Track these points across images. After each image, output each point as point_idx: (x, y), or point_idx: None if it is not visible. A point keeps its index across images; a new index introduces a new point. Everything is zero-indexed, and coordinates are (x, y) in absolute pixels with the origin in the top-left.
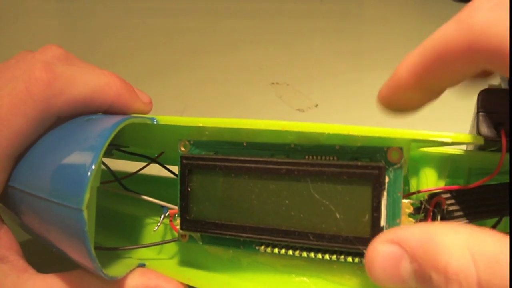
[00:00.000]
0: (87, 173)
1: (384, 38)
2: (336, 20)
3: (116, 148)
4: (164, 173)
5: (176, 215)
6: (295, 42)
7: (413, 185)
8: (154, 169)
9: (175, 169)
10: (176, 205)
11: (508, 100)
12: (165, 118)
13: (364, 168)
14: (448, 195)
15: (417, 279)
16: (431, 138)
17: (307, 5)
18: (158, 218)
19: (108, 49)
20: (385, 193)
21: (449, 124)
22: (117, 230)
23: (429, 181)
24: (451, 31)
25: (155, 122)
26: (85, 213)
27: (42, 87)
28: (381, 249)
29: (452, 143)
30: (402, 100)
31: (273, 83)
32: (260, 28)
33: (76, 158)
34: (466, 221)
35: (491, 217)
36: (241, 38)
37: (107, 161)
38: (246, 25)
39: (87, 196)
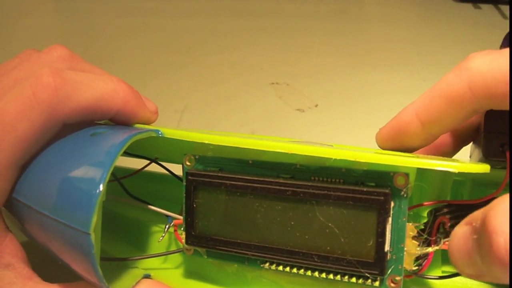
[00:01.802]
0: (95, 196)
1: (384, 38)
2: (336, 20)
3: None
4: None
5: (182, 228)
6: (295, 42)
7: (416, 197)
8: (155, 166)
9: (174, 167)
10: (180, 206)
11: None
12: (170, 131)
13: (370, 194)
14: (453, 208)
15: (477, 249)
16: (437, 168)
17: (307, 5)
18: (163, 224)
19: (107, 49)
20: (390, 219)
21: None
22: (121, 234)
23: (432, 194)
24: (452, 77)
25: (160, 135)
26: (92, 237)
27: (49, 93)
28: (458, 230)
29: (458, 173)
30: (403, 142)
31: (273, 83)
32: (260, 28)
33: (82, 178)
34: None
35: None
36: (241, 38)
37: None
38: (246, 25)
39: (94, 219)
